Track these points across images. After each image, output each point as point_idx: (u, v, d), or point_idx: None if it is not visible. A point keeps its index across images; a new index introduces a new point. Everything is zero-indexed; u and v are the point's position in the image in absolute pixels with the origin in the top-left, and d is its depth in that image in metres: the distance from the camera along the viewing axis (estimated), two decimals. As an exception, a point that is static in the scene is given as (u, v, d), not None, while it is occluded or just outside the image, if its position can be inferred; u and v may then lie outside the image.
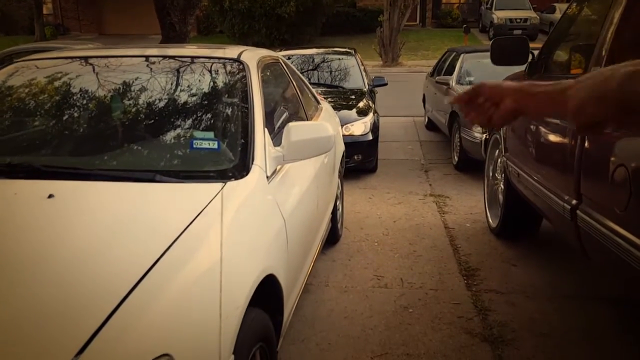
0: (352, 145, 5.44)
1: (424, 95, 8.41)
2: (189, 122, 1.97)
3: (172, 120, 2.00)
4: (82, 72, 2.19)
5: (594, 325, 2.56)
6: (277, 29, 19.17)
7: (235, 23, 19.39)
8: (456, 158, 5.96)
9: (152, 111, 2.03)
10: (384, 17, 15.78)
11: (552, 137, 2.47)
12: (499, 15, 19.54)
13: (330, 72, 6.86)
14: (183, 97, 2.06)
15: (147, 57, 2.26)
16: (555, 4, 20.91)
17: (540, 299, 2.80)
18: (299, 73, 3.22)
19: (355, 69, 6.79)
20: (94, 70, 2.19)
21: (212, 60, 2.19)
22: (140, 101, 2.06)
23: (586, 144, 2.03)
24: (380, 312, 2.66)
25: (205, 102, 2.03)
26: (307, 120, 2.76)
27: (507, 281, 3.03)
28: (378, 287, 2.95)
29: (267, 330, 1.53)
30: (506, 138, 3.37)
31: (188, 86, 2.08)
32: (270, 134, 2.06)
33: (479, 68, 6.70)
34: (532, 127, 2.76)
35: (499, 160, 3.81)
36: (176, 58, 2.23)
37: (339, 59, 6.97)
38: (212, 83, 2.10)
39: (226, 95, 2.05)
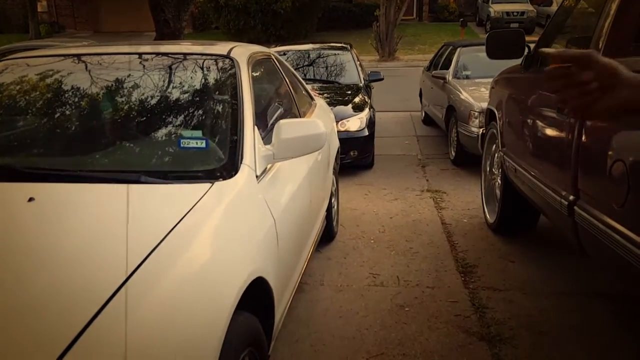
0: (348, 141, 5.39)
1: (420, 89, 8.36)
2: (177, 120, 1.92)
3: (159, 118, 1.95)
4: (69, 71, 2.13)
5: (592, 322, 2.53)
6: (273, 24, 19.07)
7: (230, 19, 19.29)
8: (453, 153, 5.92)
9: (139, 110, 1.98)
10: (380, 12, 15.70)
11: (549, 131, 2.43)
12: (496, 9, 19.47)
13: (326, 67, 6.80)
14: (171, 95, 2.01)
15: (136, 54, 2.20)
16: (552, -3, 20.85)
17: (539, 296, 2.77)
18: (292, 69, 3.17)
19: (350, 64, 6.73)
20: (80, 68, 2.13)
21: (201, 57, 2.14)
22: (128, 99, 2.01)
23: (583, 138, 1.99)
24: (376, 311, 2.62)
25: (194, 99, 1.98)
26: (300, 117, 2.71)
27: (504, 278, 2.99)
28: (374, 285, 2.91)
29: (257, 334, 1.48)
30: (503, 132, 3.32)
31: (177, 83, 2.03)
32: (261, 132, 2.01)
33: (475, 62, 6.64)
34: (529, 120, 2.72)
35: (496, 155, 3.77)
36: (165, 55, 2.17)
37: (335, 54, 6.91)
38: (201, 80, 2.05)
39: (215, 93, 2.00)
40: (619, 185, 1.66)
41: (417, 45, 18.27)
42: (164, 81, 2.03)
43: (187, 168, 1.71)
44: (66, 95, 2.01)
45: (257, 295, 1.50)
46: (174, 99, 1.98)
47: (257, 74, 2.33)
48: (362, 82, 6.46)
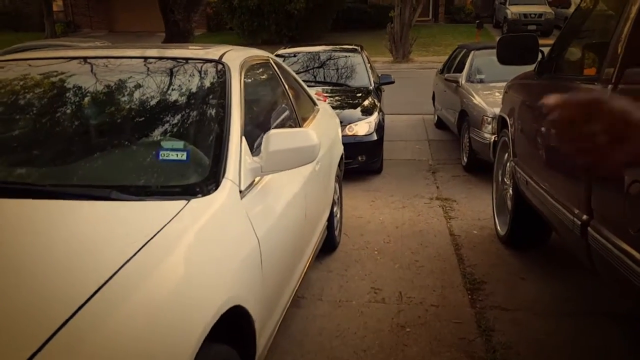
0: (356, 146, 5.27)
1: (433, 92, 8.18)
2: (158, 130, 1.80)
3: (138, 128, 1.82)
4: (45, 74, 2.01)
5: (604, 345, 2.36)
6: (287, 25, 18.98)
7: (244, 20, 19.24)
8: (465, 159, 5.75)
9: (117, 118, 1.86)
10: (395, 13, 15.51)
11: (563, 143, 2.27)
12: (513, 10, 19.12)
13: (336, 70, 6.67)
14: (154, 102, 1.88)
15: (121, 58, 2.09)
16: (571, -1, 20.44)
17: (548, 317, 2.61)
18: (293, 74, 3.04)
19: (361, 66, 6.59)
20: (57, 72, 2.02)
21: (190, 62, 2.02)
22: (105, 106, 1.90)
23: (599, 154, 1.83)
24: (375, 330, 2.49)
25: (178, 107, 1.86)
26: (300, 124, 2.59)
27: (513, 296, 2.83)
28: (375, 301, 2.77)
29: (233, 368, 1.36)
30: (514, 141, 3.16)
31: (161, 89, 1.91)
32: (252, 142, 1.89)
33: (489, 65, 6.44)
34: (541, 131, 2.56)
35: (508, 164, 3.60)
36: (152, 59, 2.05)
37: (345, 56, 6.77)
38: (187, 86, 1.92)
39: (201, 100, 1.87)
40: (636, 208, 1.51)
41: (432, 46, 18.03)
42: (147, 87, 1.91)
43: (164, 183, 1.58)
44: (37, 101, 1.90)
45: (235, 325, 1.38)
46: (156, 106, 1.86)
47: (252, 79, 2.21)
48: (372, 85, 6.31)
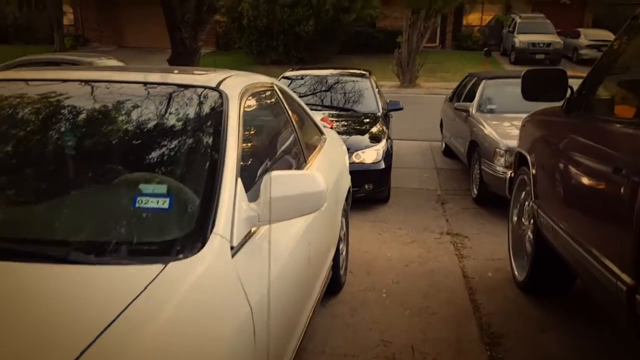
0: (363, 174, 5.05)
1: (441, 120, 7.99)
2: (136, 170, 1.53)
3: (112, 166, 1.54)
4: (17, 98, 1.78)
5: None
6: (295, 47, 18.99)
7: (253, 40, 19.26)
8: (475, 191, 5.51)
9: (89, 154, 1.61)
10: (403, 38, 15.46)
11: (603, 193, 2.02)
12: (522, 39, 19.08)
13: (344, 94, 6.50)
14: (134, 136, 1.64)
15: (103, 82, 1.85)
16: (579, 29, 20.42)
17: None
18: (299, 100, 2.83)
19: (369, 91, 6.42)
20: (30, 96, 1.78)
21: (183, 89, 1.79)
22: (76, 140, 1.64)
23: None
24: (384, 392, 2.22)
25: (163, 143, 1.62)
26: (305, 158, 2.36)
27: (535, 354, 2.56)
28: (384, 357, 2.50)
29: None
30: (536, 181, 2.92)
31: (144, 121, 1.67)
32: (251, 182, 1.65)
33: (501, 95, 6.27)
34: (572, 175, 2.32)
35: (526, 204, 3.36)
36: (140, 84, 1.82)
37: (353, 81, 6.60)
38: (176, 118, 1.68)
39: (191, 135, 1.63)
40: None
41: (439, 72, 17.95)
42: (129, 117, 1.68)
43: (138, 239, 1.29)
44: (2, 133, 1.65)
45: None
46: (137, 140, 1.62)
47: (253, 109, 1.99)
48: (381, 111, 6.13)
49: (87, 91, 1.85)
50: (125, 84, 1.82)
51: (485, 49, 17.10)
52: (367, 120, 5.83)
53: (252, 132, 1.90)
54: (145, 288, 1.08)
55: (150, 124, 1.66)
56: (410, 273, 3.55)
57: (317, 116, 5.70)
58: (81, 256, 1.18)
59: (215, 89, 1.79)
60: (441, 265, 3.71)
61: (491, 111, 6.01)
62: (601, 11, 22.19)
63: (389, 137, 5.59)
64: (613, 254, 1.83)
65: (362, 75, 6.73)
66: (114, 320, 0.97)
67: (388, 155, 5.29)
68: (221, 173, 1.44)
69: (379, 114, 6.05)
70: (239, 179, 1.49)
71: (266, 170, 1.81)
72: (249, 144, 1.84)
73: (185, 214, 1.37)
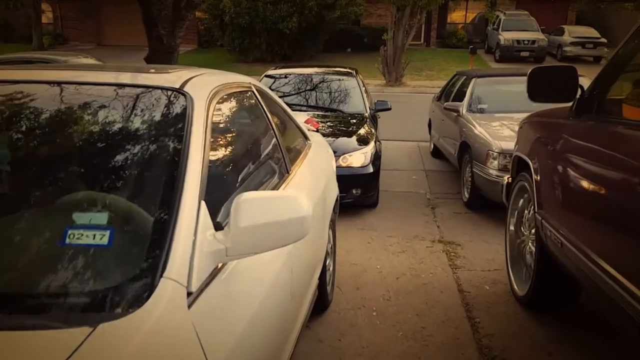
0: (350, 179, 4.79)
1: (429, 119, 7.76)
2: (73, 191, 1.22)
3: (43, 189, 1.23)
4: None
5: None
6: (279, 44, 18.65)
7: (235, 37, 18.88)
8: (467, 195, 5.29)
9: (17, 172, 1.30)
10: (388, 36, 15.24)
11: (622, 203, 1.78)
12: (506, 37, 19.00)
13: (329, 94, 6.23)
14: (75, 150, 1.34)
15: (47, 83, 1.53)
16: (563, 26, 20.45)
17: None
18: (281, 102, 2.55)
19: (356, 91, 6.16)
20: None
21: (140, 90, 1.50)
22: (2, 155, 1.33)
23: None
24: None
25: (108, 157, 1.32)
26: (287, 168, 2.08)
27: (544, 381, 2.33)
28: (376, 390, 2.25)
29: None
30: (540, 190, 2.68)
31: (89, 131, 1.37)
32: (219, 205, 1.37)
33: (492, 94, 6.06)
34: (586, 181, 2.08)
35: (526, 212, 3.13)
36: (88, 85, 1.52)
37: (339, 79, 6.33)
38: (128, 126, 1.39)
39: (145, 147, 1.34)
40: None
41: (425, 71, 17.79)
42: (70, 126, 1.38)
43: (58, 290, 0.97)
44: None
45: None
46: (77, 156, 1.32)
47: (226, 113, 1.71)
48: (368, 111, 5.87)
49: (26, 93, 1.55)
50: (70, 85, 1.51)
51: (471, 46, 16.93)
52: (354, 121, 5.57)
53: (223, 141, 1.62)
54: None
55: (95, 134, 1.36)
56: (402, 287, 3.29)
57: (302, 117, 5.45)
58: None
59: (179, 90, 1.50)
60: (434, 277, 3.46)
61: (482, 111, 5.80)
62: (585, 8, 22.26)
63: (377, 139, 5.33)
64: (633, 274, 1.59)
65: (348, 74, 6.47)
66: None
67: (376, 159, 5.04)
68: (179, 195, 1.15)
69: (367, 114, 5.80)
70: (203, 202, 1.21)
71: (242, 187, 1.53)
72: (219, 156, 1.56)
73: (129, 251, 1.08)
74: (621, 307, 1.70)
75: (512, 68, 10.79)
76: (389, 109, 6.20)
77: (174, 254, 1.04)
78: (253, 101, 2.05)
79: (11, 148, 1.35)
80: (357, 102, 6.00)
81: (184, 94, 1.49)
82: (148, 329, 0.91)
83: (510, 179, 3.46)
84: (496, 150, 4.64)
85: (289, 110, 2.65)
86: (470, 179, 5.14)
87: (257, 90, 2.14)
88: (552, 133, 2.61)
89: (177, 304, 1.00)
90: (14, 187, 1.26)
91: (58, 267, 1.02)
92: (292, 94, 6.22)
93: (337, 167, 4.81)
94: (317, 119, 5.42)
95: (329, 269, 2.92)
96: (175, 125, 1.37)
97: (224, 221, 1.29)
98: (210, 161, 1.41)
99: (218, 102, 1.65)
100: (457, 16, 24.21)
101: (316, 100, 6.13)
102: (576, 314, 2.93)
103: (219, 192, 1.41)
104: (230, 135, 1.68)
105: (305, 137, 2.76)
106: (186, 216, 1.13)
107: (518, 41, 18.83)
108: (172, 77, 1.59)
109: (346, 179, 4.81)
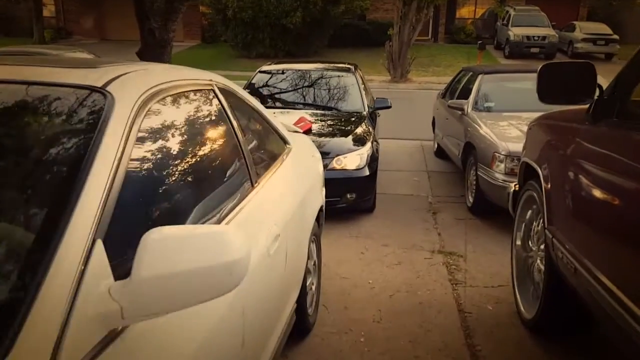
0: (345, 182, 4.49)
1: (433, 118, 7.41)
2: None
3: None
4: None
5: None
6: (282, 39, 18.29)
7: (238, 32, 18.54)
8: (471, 199, 4.95)
9: None
10: (394, 31, 14.85)
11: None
12: (516, 32, 18.53)
13: (326, 91, 5.90)
14: None
15: None
16: (574, 22, 19.93)
17: None
18: (253, 103, 2.22)
19: (354, 88, 5.82)
20: None
21: (51, 90, 1.19)
22: None
23: None
24: None
25: None
26: (252, 181, 1.76)
27: None
28: None
29: None
30: (550, 203, 2.35)
31: None
32: (132, 242, 1.06)
33: (499, 92, 5.70)
34: (608, 201, 1.75)
35: (534, 224, 2.80)
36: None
37: (337, 76, 6.00)
38: (24, 134, 1.08)
39: (32, 163, 1.03)
40: None
41: (431, 67, 17.37)
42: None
43: None
44: None
45: None
46: None
47: (167, 119, 1.39)
48: (366, 109, 5.54)
49: None
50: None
51: (479, 42, 16.50)
52: (351, 120, 5.25)
53: (159, 154, 1.31)
54: None
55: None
56: (396, 307, 2.98)
57: (295, 116, 5.13)
58: None
59: (100, 89, 1.19)
60: (432, 295, 3.14)
61: (489, 109, 5.45)
62: (596, 4, 21.71)
63: (374, 139, 5.00)
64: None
65: (347, 70, 6.13)
66: None
67: (373, 160, 4.72)
68: (61, 230, 0.84)
69: (365, 112, 5.47)
70: (99, 242, 0.89)
71: (180, 214, 1.22)
72: (151, 173, 1.24)
73: None
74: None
75: (521, 64, 10.41)
76: (389, 107, 5.87)
77: (32, 322, 0.73)
78: (212, 102, 1.73)
79: None
80: (354, 100, 5.67)
81: (104, 94, 1.18)
82: None
83: (517, 186, 3.13)
84: (503, 153, 4.31)
85: (264, 111, 2.33)
86: (474, 182, 4.80)
87: (220, 89, 1.82)
88: (565, 139, 2.27)
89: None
90: None
91: None
92: (287, 91, 5.91)
93: (330, 169, 4.53)
94: (312, 118, 5.11)
95: (311, 289, 2.61)
96: (80, 135, 1.06)
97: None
98: (134, 181, 1.11)
99: (158, 104, 1.34)
100: (466, 11, 23.74)
101: (312, 98, 5.82)
102: (589, 343, 2.60)
103: (143, 223, 1.10)
104: (171, 145, 1.37)
105: (284, 142, 2.44)
106: (66, 263, 0.82)
107: (528, 37, 18.36)
108: (96, 74, 1.27)
109: (340, 182, 4.50)
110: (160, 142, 1.33)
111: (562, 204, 2.18)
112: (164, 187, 1.29)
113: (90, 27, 24.61)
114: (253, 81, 6.02)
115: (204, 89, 1.71)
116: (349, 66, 6.28)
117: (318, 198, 2.71)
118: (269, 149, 2.20)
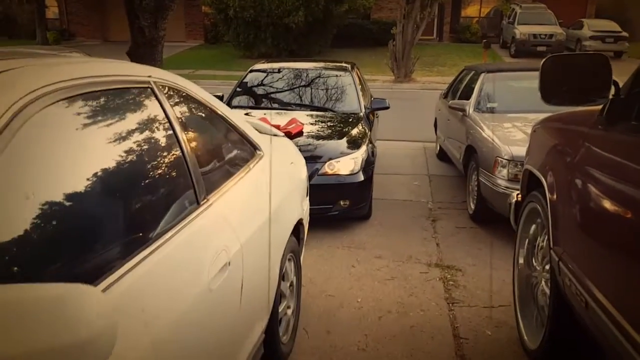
0: (337, 188, 4.21)
1: (435, 119, 7.10)
2: None
3: None
4: None
5: None
6: (284, 39, 18.01)
7: (240, 32, 18.28)
8: (472, 206, 4.64)
9: None
10: (397, 30, 14.51)
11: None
12: (522, 31, 18.12)
13: (321, 91, 5.61)
14: None
15: None
16: (582, 20, 19.50)
17: None
18: (213, 102, 1.92)
19: (351, 88, 5.53)
20: None
21: None
22: None
23: None
24: None
25: None
26: (199, 197, 1.47)
27: None
28: None
29: None
30: (557, 219, 2.04)
31: None
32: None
33: (503, 92, 5.37)
34: (627, 212, 1.45)
35: (539, 239, 2.49)
36: None
37: (333, 75, 5.71)
38: None
39: None
40: None
41: (436, 66, 17.02)
42: None
43: None
44: None
45: None
46: None
47: (73, 126, 1.11)
48: (363, 110, 5.24)
49: None
50: None
51: (484, 40, 16.13)
52: (347, 121, 4.96)
53: (58, 173, 1.02)
54: None
55: None
56: (384, 331, 2.68)
57: (286, 118, 4.84)
58: None
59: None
60: (425, 316, 2.83)
61: (491, 110, 5.12)
62: (605, 1, 21.24)
63: (370, 142, 4.70)
64: None
65: (343, 69, 5.84)
66: None
67: (369, 165, 4.42)
68: None
69: (361, 114, 5.17)
70: None
71: (87, 251, 0.93)
72: (28, 199, 0.95)
73: None
74: None
75: (526, 62, 10.05)
76: (387, 108, 5.56)
77: None
78: (147, 104, 1.44)
79: None
80: (351, 100, 5.38)
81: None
82: None
83: (519, 196, 2.81)
84: (505, 157, 4.00)
85: (228, 113, 2.03)
86: (476, 188, 4.49)
87: (160, 87, 1.53)
88: (574, 144, 1.95)
89: None
90: None
91: None
92: (280, 91, 5.63)
93: (322, 174, 4.24)
94: (306, 119, 4.82)
95: (285, 314, 2.31)
96: None
97: None
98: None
99: (57, 108, 1.06)
100: (471, 10, 23.34)
101: (306, 98, 5.53)
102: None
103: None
104: (70, 159, 1.08)
105: (254, 147, 2.15)
106: None
107: (534, 35, 17.95)
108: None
109: (332, 188, 4.22)
110: (54, 156, 1.05)
111: (570, 221, 1.87)
112: (50, 219, 1.00)
113: (94, 29, 24.47)
114: (245, 80, 5.74)
115: (137, 87, 1.42)
116: (345, 65, 5.99)
117: (296, 210, 2.41)
118: (230, 158, 1.91)
